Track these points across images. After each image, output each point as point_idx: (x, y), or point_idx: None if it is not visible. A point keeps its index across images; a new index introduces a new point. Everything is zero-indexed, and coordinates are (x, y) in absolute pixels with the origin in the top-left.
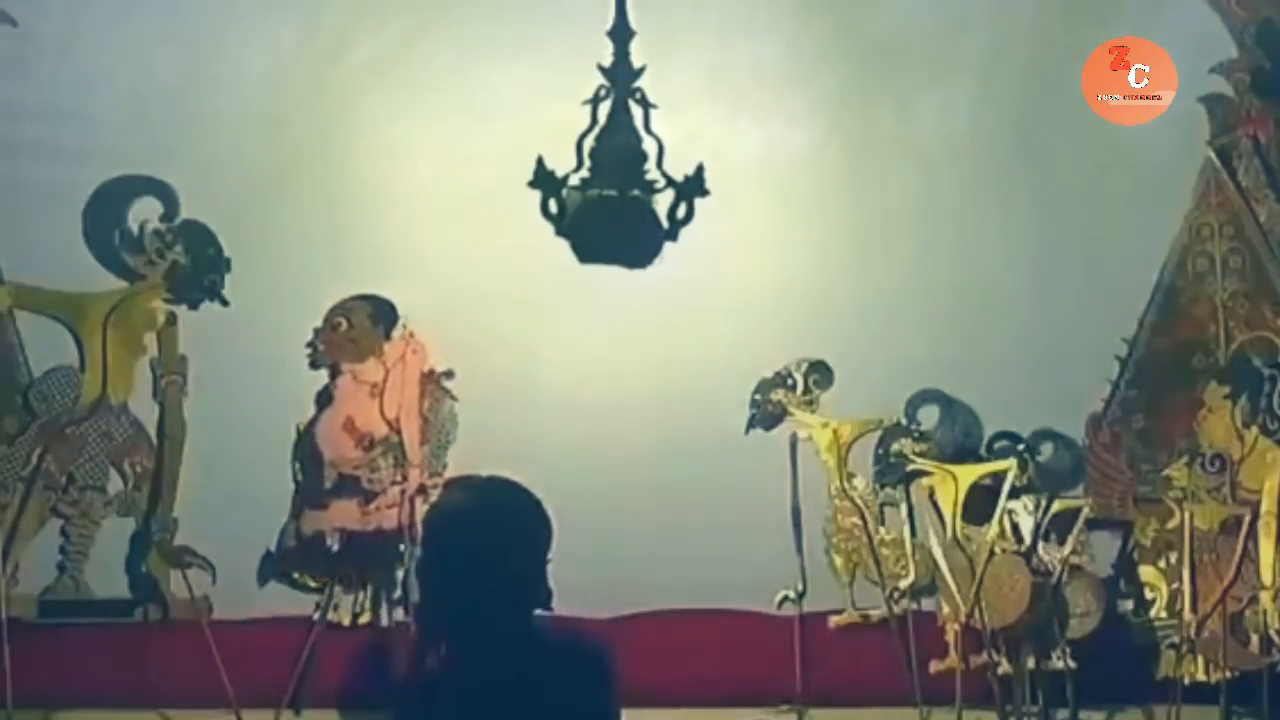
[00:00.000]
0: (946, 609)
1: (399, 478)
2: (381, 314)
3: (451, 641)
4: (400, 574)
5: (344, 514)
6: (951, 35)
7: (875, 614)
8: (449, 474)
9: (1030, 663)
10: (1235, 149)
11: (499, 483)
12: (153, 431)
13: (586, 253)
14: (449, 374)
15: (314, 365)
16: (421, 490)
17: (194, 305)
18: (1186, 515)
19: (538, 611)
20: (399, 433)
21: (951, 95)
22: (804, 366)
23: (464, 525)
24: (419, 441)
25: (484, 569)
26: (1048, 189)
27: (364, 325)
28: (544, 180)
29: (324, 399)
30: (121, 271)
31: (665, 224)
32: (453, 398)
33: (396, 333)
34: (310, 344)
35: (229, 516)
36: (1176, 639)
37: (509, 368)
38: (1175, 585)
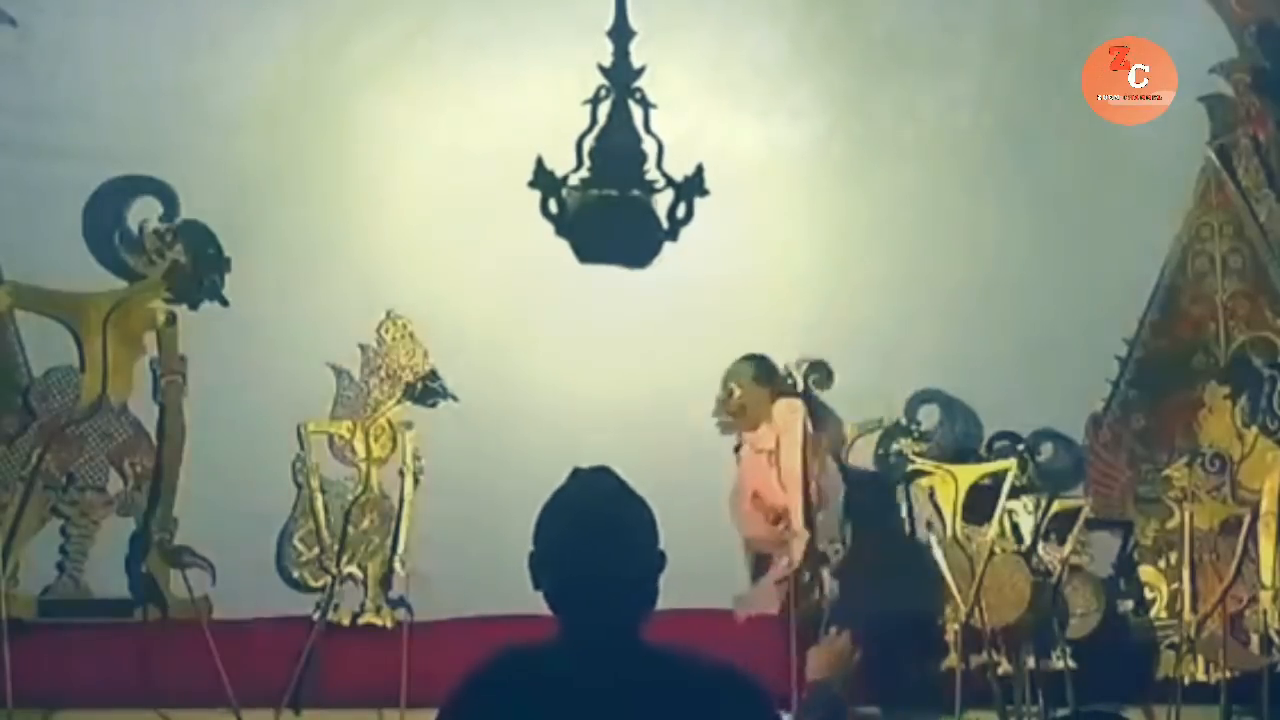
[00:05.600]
0: (946, 609)
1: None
2: (764, 374)
3: (571, 623)
4: None
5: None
6: (953, 33)
7: None
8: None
9: (1030, 663)
10: (1235, 149)
11: (612, 475)
12: (153, 431)
13: (586, 253)
14: (434, 375)
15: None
16: (821, 559)
17: (194, 305)
18: (1186, 515)
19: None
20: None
21: (953, 93)
22: (804, 366)
23: (607, 515)
24: (803, 507)
25: (621, 560)
26: (1048, 188)
27: (750, 390)
28: (544, 180)
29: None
30: (121, 271)
31: (665, 224)
32: (453, 398)
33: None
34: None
35: (229, 516)
36: (1176, 639)
37: (507, 368)
38: (1175, 585)
